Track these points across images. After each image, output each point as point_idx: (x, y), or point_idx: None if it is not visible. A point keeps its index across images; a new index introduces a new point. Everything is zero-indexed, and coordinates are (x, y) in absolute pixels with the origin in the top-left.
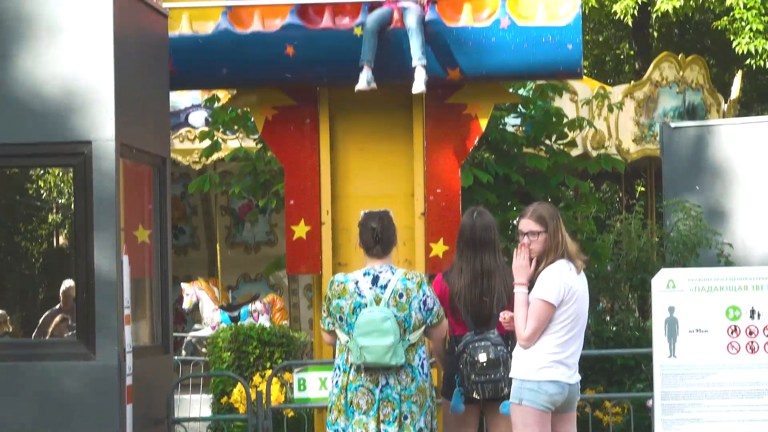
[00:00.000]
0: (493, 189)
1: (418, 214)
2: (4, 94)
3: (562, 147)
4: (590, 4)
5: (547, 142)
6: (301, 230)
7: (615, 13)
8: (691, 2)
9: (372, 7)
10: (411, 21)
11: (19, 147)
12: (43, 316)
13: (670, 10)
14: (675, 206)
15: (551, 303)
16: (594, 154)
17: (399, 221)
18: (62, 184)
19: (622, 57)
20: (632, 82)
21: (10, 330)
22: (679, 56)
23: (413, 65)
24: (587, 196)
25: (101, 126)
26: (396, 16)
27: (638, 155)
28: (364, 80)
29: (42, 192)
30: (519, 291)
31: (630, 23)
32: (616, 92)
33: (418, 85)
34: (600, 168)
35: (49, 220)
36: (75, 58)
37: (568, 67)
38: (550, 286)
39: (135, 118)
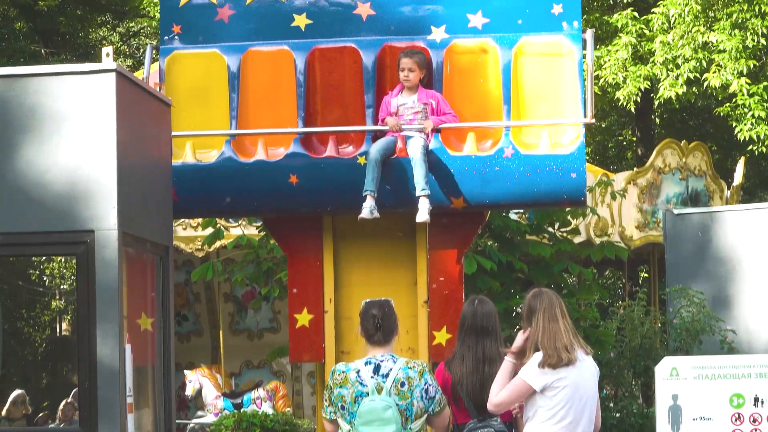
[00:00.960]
0: (496, 276)
1: (421, 303)
2: (8, 183)
3: (565, 234)
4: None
5: (550, 229)
6: (304, 318)
7: (618, 99)
8: (694, 89)
9: (375, 137)
10: (415, 150)
11: (21, 236)
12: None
13: (673, 97)
14: (678, 293)
15: (530, 385)
16: (597, 241)
17: (402, 310)
18: (65, 270)
19: (625, 143)
20: (635, 168)
21: (29, 411)
22: (682, 143)
23: (417, 195)
24: (590, 284)
25: (104, 215)
26: (400, 144)
27: (641, 242)
28: (368, 209)
29: (45, 278)
30: (507, 360)
31: (633, 110)
32: (619, 179)
33: (422, 215)
34: (603, 255)
35: (52, 306)
36: (78, 147)
37: (571, 195)
38: (532, 370)
39: (137, 207)
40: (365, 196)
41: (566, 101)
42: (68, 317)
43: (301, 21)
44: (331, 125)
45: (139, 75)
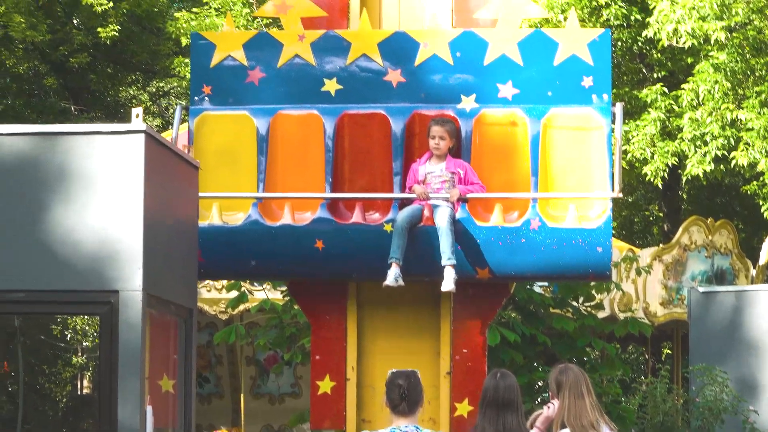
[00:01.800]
0: (519, 349)
1: (444, 373)
2: (34, 240)
3: (589, 309)
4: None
5: (575, 303)
6: (326, 385)
7: (645, 174)
8: (721, 166)
9: (402, 204)
10: (442, 219)
11: (46, 293)
12: None
13: (701, 174)
14: (701, 371)
15: None
16: (621, 316)
17: (424, 380)
18: (87, 327)
19: (651, 218)
20: (661, 245)
21: None
22: (708, 220)
23: (443, 264)
24: (613, 359)
25: (129, 276)
26: (426, 213)
27: (665, 319)
28: (392, 277)
29: (67, 333)
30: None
31: (660, 185)
32: (645, 255)
33: (448, 284)
34: (627, 331)
35: (74, 362)
36: (105, 207)
37: (597, 270)
38: None
39: (163, 269)
40: (390, 263)
41: (594, 174)
42: (89, 374)
43: (331, 86)
44: (359, 191)
45: (167, 135)
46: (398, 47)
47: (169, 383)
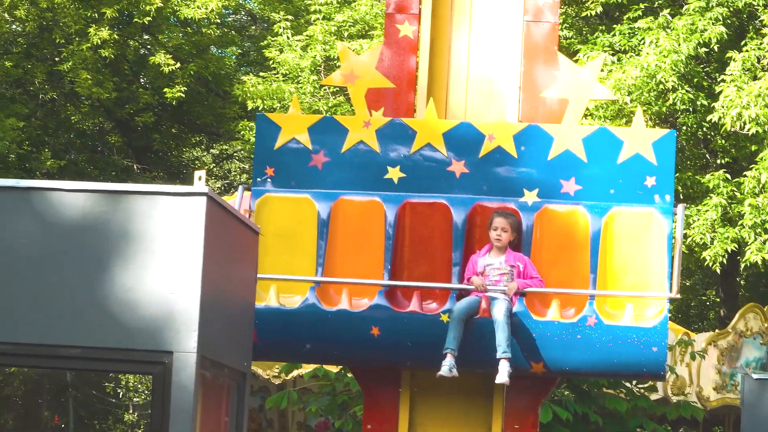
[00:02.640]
0: (571, 427)
1: None
2: (91, 298)
3: (642, 390)
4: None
5: (628, 384)
6: None
7: (704, 259)
8: None
9: (460, 295)
10: (498, 312)
11: (101, 351)
12: None
13: (759, 261)
14: None
15: None
16: (674, 399)
17: None
18: (140, 385)
19: (708, 303)
20: (716, 330)
21: None
22: (765, 308)
23: (497, 357)
24: None
25: (184, 338)
26: (483, 305)
27: (718, 403)
28: (447, 367)
29: (119, 390)
30: None
31: (718, 270)
32: (700, 340)
33: (502, 377)
34: (679, 414)
35: (125, 419)
36: (164, 269)
37: (651, 369)
38: None
39: (218, 332)
40: (445, 353)
41: (653, 274)
42: None
43: (394, 174)
44: (417, 280)
45: (229, 199)
46: (463, 138)
47: None
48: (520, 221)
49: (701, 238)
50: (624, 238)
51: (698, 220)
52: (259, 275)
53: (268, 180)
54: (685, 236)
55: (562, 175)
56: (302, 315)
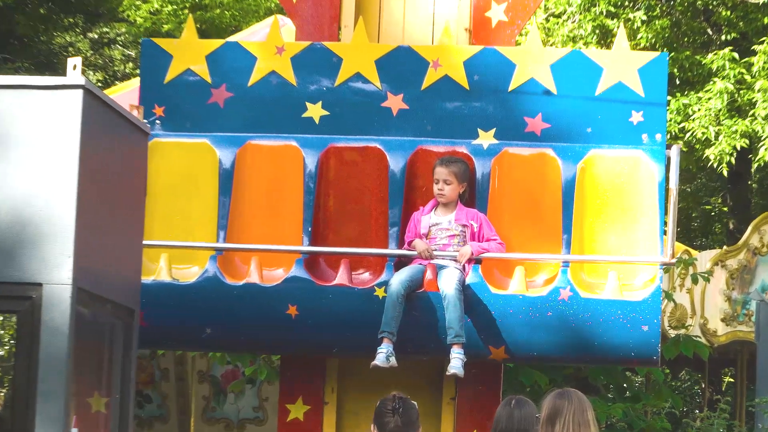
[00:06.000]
0: (547, 372)
1: (447, 400)
2: None
3: None
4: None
5: None
6: (297, 410)
7: (708, 159)
8: None
9: (399, 263)
10: (448, 284)
11: None
12: None
13: None
14: None
15: None
16: (672, 334)
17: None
18: (2, 331)
19: (713, 213)
20: (725, 247)
21: None
22: None
23: (448, 342)
24: (661, 387)
25: (56, 266)
26: (429, 276)
27: (727, 339)
28: (383, 355)
29: None
30: None
31: (726, 173)
32: (704, 259)
33: (454, 367)
34: (678, 352)
35: None
36: (30, 177)
37: (642, 353)
38: None
39: (99, 258)
40: (382, 338)
41: (642, 233)
42: (2, 391)
43: (315, 111)
44: (345, 245)
45: (113, 93)
46: (401, 66)
47: (101, 402)
48: (472, 169)
49: (703, 133)
50: (605, 189)
51: (700, 110)
52: (146, 242)
53: (157, 121)
54: (684, 131)
55: (526, 111)
56: (200, 291)
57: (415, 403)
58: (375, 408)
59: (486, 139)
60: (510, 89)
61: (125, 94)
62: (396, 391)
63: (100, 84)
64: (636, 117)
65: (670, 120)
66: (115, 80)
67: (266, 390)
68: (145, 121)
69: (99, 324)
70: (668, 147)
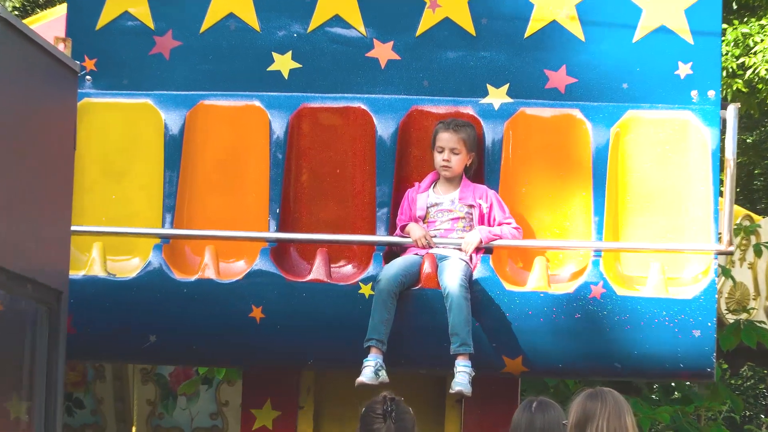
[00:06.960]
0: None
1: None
2: None
3: None
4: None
5: None
6: (265, 417)
7: None
8: None
9: (389, 255)
10: (451, 280)
11: None
12: None
13: None
14: None
15: None
16: (730, 319)
17: None
18: None
19: None
20: None
21: None
22: None
23: (452, 353)
24: (717, 385)
25: None
26: (427, 268)
27: None
28: (371, 369)
29: None
30: None
31: None
32: None
33: (460, 383)
34: (739, 342)
35: None
36: None
37: (692, 365)
38: None
39: (18, 227)
40: (368, 347)
41: (691, 215)
42: None
43: (283, 63)
44: (322, 231)
45: (34, 24)
46: (391, 6)
47: (21, 407)
48: (480, 135)
49: (767, 70)
50: (646, 159)
51: (763, 41)
52: (75, 227)
53: (88, 77)
54: (743, 67)
55: (547, 62)
56: (142, 289)
57: (410, 408)
58: (360, 413)
59: (497, 97)
60: (526, 35)
61: (48, 23)
62: (387, 391)
63: (17, 12)
64: (684, 69)
65: (727, 54)
66: (36, 7)
67: (226, 392)
68: (78, 63)
69: (17, 310)
70: (723, 106)
